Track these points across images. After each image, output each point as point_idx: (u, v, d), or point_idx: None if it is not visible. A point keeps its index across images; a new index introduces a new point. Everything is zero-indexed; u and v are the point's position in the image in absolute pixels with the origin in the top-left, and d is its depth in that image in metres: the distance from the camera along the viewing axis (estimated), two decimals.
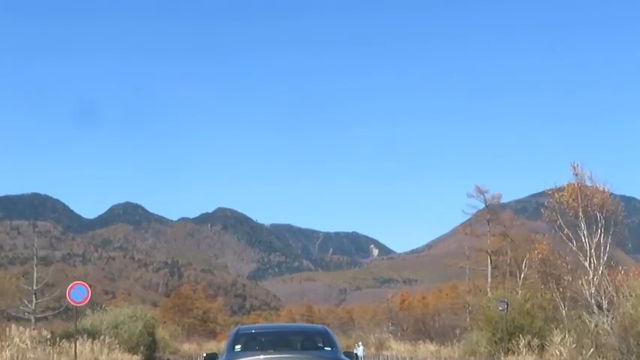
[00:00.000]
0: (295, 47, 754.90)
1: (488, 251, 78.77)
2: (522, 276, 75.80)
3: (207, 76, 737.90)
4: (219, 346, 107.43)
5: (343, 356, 13.73)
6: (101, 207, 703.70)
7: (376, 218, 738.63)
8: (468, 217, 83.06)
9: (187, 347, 76.44)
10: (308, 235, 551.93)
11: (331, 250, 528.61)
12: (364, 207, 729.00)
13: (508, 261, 79.52)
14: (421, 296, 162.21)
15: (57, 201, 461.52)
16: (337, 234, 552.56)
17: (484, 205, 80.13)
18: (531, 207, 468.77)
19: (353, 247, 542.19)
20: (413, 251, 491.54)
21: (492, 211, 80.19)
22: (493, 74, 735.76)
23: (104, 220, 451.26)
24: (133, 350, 40.40)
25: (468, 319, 74.06)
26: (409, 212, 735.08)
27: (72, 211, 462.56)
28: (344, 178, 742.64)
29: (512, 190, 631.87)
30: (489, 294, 78.14)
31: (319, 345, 13.88)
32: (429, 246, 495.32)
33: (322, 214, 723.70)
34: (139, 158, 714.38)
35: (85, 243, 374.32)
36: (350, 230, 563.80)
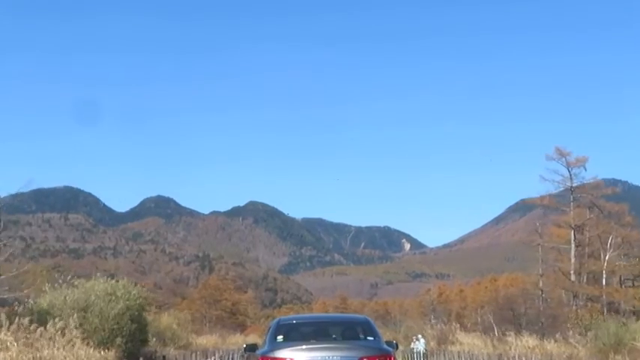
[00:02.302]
0: (325, 39, 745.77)
1: (572, 225, 64.43)
2: (607, 257, 62.43)
3: (235, 70, 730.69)
4: (246, 340, 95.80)
5: (386, 346, 13.20)
6: (133, 200, 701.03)
7: (408, 212, 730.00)
8: (547, 184, 67.48)
9: (204, 341, 63.63)
10: (340, 229, 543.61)
11: (363, 244, 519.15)
12: (396, 201, 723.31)
13: (587, 240, 66.13)
14: (459, 289, 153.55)
15: (89, 194, 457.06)
16: (369, 228, 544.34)
17: (566, 170, 65.49)
18: (565, 201, 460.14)
19: (385, 241, 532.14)
20: (445, 246, 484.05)
21: (576, 176, 65.43)
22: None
23: (136, 214, 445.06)
24: (104, 343, 27.35)
25: (542, 308, 60.65)
26: (441, 207, 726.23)
27: (104, 205, 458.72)
28: (376, 172, 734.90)
29: (546, 184, 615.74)
30: (573, 277, 64.95)
31: (361, 335, 13.50)
32: (461, 240, 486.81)
33: (354, 208, 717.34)
34: (171, 152, 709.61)
35: (117, 236, 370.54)
36: (382, 224, 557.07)
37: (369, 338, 13.39)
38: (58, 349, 22.91)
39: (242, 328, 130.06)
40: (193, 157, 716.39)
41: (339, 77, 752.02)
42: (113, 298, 29.44)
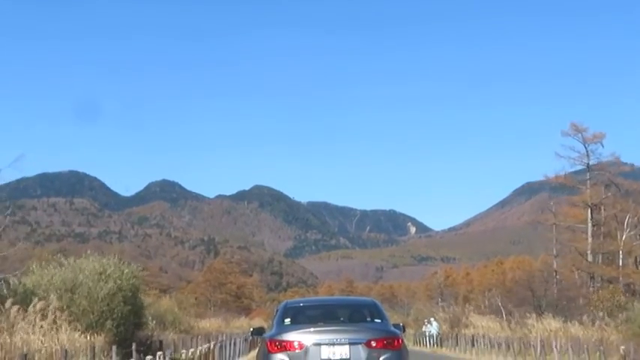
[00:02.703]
0: (322, 25, 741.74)
1: (589, 204, 61.52)
2: (624, 237, 59.64)
3: (241, 56, 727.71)
4: (251, 323, 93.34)
5: (393, 328, 13.10)
6: (138, 185, 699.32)
7: (414, 196, 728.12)
8: (562, 161, 64.41)
9: (207, 324, 61.07)
10: (345, 212, 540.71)
11: (368, 227, 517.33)
12: (402, 185, 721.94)
13: (603, 219, 63.36)
14: (465, 272, 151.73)
15: (94, 179, 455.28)
16: (374, 212, 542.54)
17: (582, 146, 62.51)
18: (570, 185, 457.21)
19: (390, 224, 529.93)
20: (451, 229, 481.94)
21: (593, 153, 62.45)
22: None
23: (141, 198, 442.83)
24: (93, 326, 24.70)
25: (556, 291, 57.99)
26: (447, 190, 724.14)
27: (109, 189, 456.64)
28: (381, 156, 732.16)
29: (551, 168, 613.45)
30: (590, 257, 62.21)
31: (368, 317, 13.37)
32: (467, 224, 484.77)
33: (359, 192, 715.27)
34: (176, 136, 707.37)
35: (122, 220, 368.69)
36: (387, 208, 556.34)
37: (376, 320, 13.25)
38: (34, 333, 20.21)
39: (247, 311, 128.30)
40: (199, 141, 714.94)
41: (345, 61, 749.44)
42: (103, 277, 26.72)
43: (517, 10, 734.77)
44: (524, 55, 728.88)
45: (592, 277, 61.02)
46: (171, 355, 25.33)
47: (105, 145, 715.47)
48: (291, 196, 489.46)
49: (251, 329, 15.67)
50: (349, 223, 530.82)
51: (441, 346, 50.76)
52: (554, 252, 68.36)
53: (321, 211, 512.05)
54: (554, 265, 68.08)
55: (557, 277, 66.79)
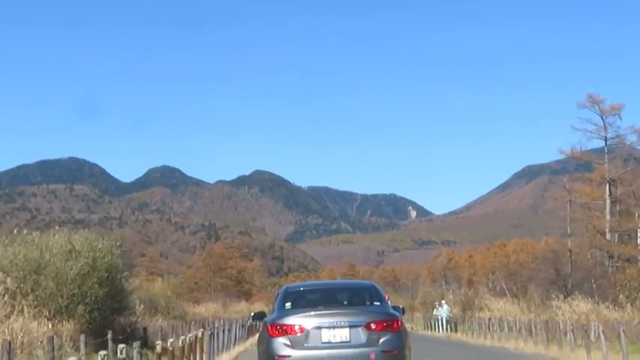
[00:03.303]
0: (337, 10, 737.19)
1: (607, 179, 57.50)
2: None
3: (248, 40, 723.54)
4: (251, 308, 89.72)
5: (392, 310, 13.21)
6: (138, 170, 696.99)
7: (414, 180, 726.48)
8: (578, 134, 60.50)
9: (203, 310, 57.23)
10: (346, 197, 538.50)
11: (369, 212, 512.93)
12: (402, 169, 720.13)
13: (619, 196, 59.42)
14: (468, 255, 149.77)
15: (94, 165, 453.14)
16: (375, 196, 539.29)
17: (600, 118, 58.50)
18: (571, 167, 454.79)
19: (391, 209, 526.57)
20: (451, 213, 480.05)
21: (610, 126, 58.34)
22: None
23: (141, 184, 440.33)
24: (62, 312, 20.76)
25: (570, 270, 54.15)
26: (447, 174, 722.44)
27: (109, 175, 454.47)
28: (382, 140, 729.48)
29: (552, 150, 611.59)
30: (608, 235, 58.30)
31: (367, 300, 13.41)
32: (468, 207, 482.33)
33: (360, 176, 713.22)
34: (176, 121, 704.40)
35: (122, 206, 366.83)
36: (388, 192, 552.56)
37: (375, 303, 13.24)
38: None
39: (248, 296, 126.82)
40: (198, 126, 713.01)
41: (344, 46, 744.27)
42: (73, 255, 22.78)
43: None
44: (524, 37, 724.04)
45: (611, 257, 57.13)
46: (151, 344, 21.48)
47: (105, 131, 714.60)
48: (291, 180, 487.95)
49: (252, 314, 15.60)
50: (350, 208, 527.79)
51: (455, 330, 46.87)
52: (569, 231, 64.35)
53: (321, 195, 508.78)
54: (569, 244, 64.26)
55: (572, 257, 63.16)
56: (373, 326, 12.30)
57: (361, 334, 12.23)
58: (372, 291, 13.83)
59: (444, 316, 48.62)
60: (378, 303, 13.24)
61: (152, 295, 41.32)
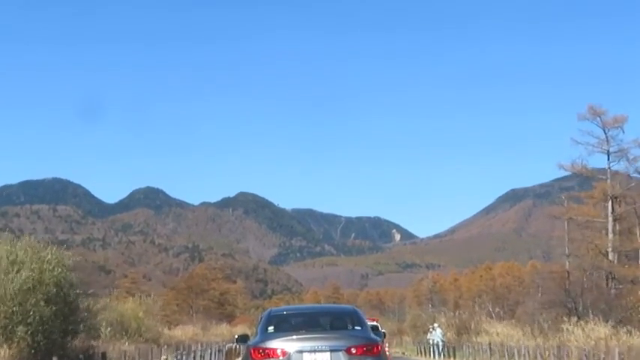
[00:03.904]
0: (313, 32, 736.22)
1: (609, 195, 53.80)
2: None
3: (230, 61, 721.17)
4: (233, 331, 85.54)
5: (373, 335, 13.23)
6: (122, 192, 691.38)
7: (398, 203, 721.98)
8: (579, 147, 56.81)
9: (179, 333, 53.03)
10: (330, 219, 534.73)
11: (353, 234, 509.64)
12: (386, 192, 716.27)
13: (620, 214, 55.72)
14: (453, 278, 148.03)
15: (78, 186, 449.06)
16: (359, 219, 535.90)
17: (601, 131, 54.81)
18: (554, 191, 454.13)
19: (375, 231, 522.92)
20: (436, 236, 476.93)
21: (612, 139, 54.61)
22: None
23: (125, 205, 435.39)
24: None
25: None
26: (431, 197, 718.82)
27: (93, 196, 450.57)
28: (366, 163, 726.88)
29: (536, 174, 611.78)
30: (611, 255, 54.62)
31: (349, 325, 13.48)
32: (452, 231, 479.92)
33: (344, 199, 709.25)
34: (159, 143, 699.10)
35: (106, 227, 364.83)
36: (372, 215, 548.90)
37: (356, 328, 13.32)
38: None
39: (230, 318, 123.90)
40: (183, 147, 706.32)
41: (329, 69, 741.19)
42: (16, 267, 18.78)
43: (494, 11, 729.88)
44: (510, 59, 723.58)
45: (613, 278, 53.46)
46: None
47: (89, 152, 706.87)
48: (275, 203, 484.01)
49: (235, 337, 15.67)
50: (334, 230, 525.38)
51: (452, 355, 42.78)
52: (567, 251, 60.68)
53: (305, 218, 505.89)
54: (567, 266, 60.60)
55: (570, 279, 59.62)
56: (354, 350, 12.41)
57: (342, 359, 12.32)
58: (353, 315, 13.89)
59: (438, 340, 44.70)
60: (359, 327, 13.31)
61: (122, 316, 37.34)
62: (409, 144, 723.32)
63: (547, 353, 31.80)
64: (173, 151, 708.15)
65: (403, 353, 52.53)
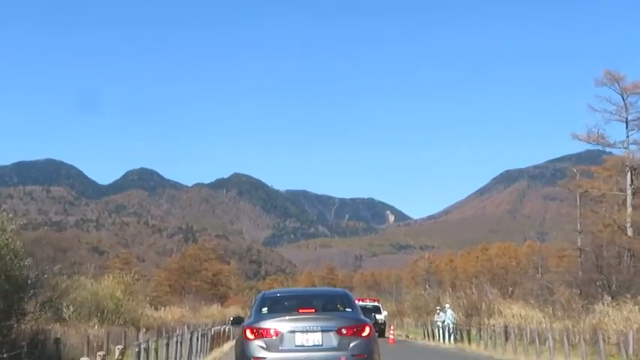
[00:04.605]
0: (307, 15, 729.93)
1: (629, 166, 49.41)
2: None
3: (227, 44, 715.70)
4: (224, 312, 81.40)
5: (363, 317, 13.57)
6: (116, 173, 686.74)
7: (392, 184, 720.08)
8: (596, 114, 52.20)
9: (168, 314, 48.63)
10: (324, 201, 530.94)
11: (347, 216, 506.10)
12: (380, 173, 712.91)
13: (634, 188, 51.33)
14: (448, 259, 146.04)
15: (71, 167, 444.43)
16: (353, 200, 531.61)
17: (620, 97, 50.33)
18: (549, 172, 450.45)
19: (369, 213, 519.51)
20: (429, 217, 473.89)
21: (632, 106, 50.07)
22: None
23: (119, 186, 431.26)
24: None
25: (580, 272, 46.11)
26: (426, 178, 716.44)
27: (86, 177, 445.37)
28: (360, 144, 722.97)
29: (530, 156, 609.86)
30: (629, 230, 50.30)
31: (340, 307, 13.86)
32: (446, 212, 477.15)
33: (338, 180, 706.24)
34: (153, 124, 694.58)
35: (99, 209, 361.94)
36: (366, 196, 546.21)
37: (347, 310, 13.63)
38: None
39: (223, 299, 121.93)
40: (177, 129, 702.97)
41: (325, 50, 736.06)
42: None
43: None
44: (505, 41, 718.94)
45: (632, 255, 49.15)
46: None
47: (82, 133, 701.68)
48: (269, 184, 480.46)
49: (230, 318, 17.59)
50: (328, 212, 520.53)
51: (465, 339, 38.22)
52: (579, 227, 56.51)
53: (299, 199, 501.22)
54: (579, 243, 56.46)
55: (582, 256, 55.54)
56: (344, 331, 12.64)
57: (333, 339, 12.56)
58: (344, 298, 14.16)
59: (449, 321, 40.29)
60: (350, 310, 13.55)
61: (96, 295, 33.01)
62: (403, 125, 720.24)
63: (577, 338, 27.40)
64: (167, 133, 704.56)
65: (407, 336, 48.11)
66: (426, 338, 44.37)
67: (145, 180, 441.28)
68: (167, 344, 19.21)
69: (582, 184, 55.46)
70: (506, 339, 33.34)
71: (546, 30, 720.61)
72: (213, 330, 28.01)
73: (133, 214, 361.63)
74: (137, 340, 25.71)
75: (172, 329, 36.53)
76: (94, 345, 22.71)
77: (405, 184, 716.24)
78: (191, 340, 22.46)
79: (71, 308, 26.21)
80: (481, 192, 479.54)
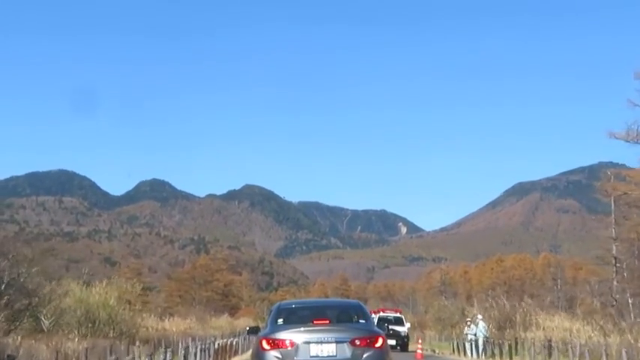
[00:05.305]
0: (317, 22, 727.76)
1: None
2: None
3: (231, 51, 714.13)
4: (235, 323, 77.24)
5: (376, 328, 13.71)
6: (128, 184, 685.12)
7: (405, 196, 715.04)
8: (636, 110, 47.63)
9: (172, 325, 44.47)
10: (336, 212, 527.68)
11: (359, 227, 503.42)
12: (393, 184, 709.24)
13: None
14: (463, 271, 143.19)
15: (84, 177, 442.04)
16: (365, 212, 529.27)
17: None
18: (561, 185, 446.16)
19: (381, 224, 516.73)
20: (442, 229, 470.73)
21: None
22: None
23: (131, 197, 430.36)
24: None
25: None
26: (438, 190, 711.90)
27: (99, 188, 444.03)
28: (373, 156, 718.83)
29: (543, 168, 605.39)
30: None
31: (354, 318, 13.80)
32: (458, 224, 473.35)
33: (351, 192, 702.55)
34: (166, 135, 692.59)
35: (112, 219, 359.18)
36: (378, 208, 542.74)
37: (361, 321, 13.62)
38: None
39: (234, 310, 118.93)
40: (189, 139, 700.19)
41: (337, 59, 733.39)
42: None
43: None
44: (517, 50, 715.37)
45: None
46: None
47: (95, 144, 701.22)
48: (282, 195, 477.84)
49: (247, 328, 16.55)
50: (340, 223, 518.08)
51: (501, 356, 33.58)
52: (614, 234, 52.23)
53: (312, 210, 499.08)
54: (613, 251, 52.20)
55: (617, 265, 51.36)
56: (358, 342, 12.61)
57: (346, 350, 12.55)
58: (358, 309, 14.19)
59: (481, 335, 35.79)
60: (364, 321, 13.57)
61: (87, 304, 28.93)
62: (416, 137, 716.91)
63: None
64: (179, 144, 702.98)
65: (433, 351, 43.59)
66: (455, 353, 39.89)
67: (157, 191, 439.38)
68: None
69: (618, 187, 51.12)
70: (550, 354, 29.12)
71: (559, 40, 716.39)
72: (217, 343, 23.99)
73: (145, 225, 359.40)
74: (128, 355, 21.72)
75: (174, 342, 32.39)
76: None
77: (417, 196, 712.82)
78: (186, 355, 18.28)
79: (50, 317, 22.03)
80: (494, 204, 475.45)
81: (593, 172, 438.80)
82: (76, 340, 22.61)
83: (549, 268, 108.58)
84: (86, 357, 18.55)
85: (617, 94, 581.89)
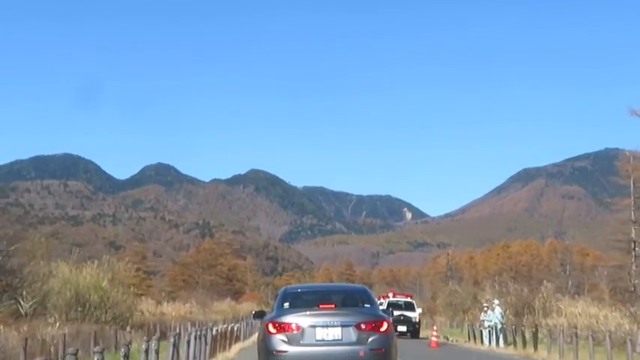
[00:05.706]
0: (323, 10, 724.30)
1: None
2: None
3: (237, 37, 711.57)
4: (238, 308, 75.07)
5: (381, 312, 13.67)
6: (133, 168, 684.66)
7: (410, 181, 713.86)
8: None
9: (171, 309, 42.08)
10: (341, 197, 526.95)
11: (364, 213, 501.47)
12: (398, 170, 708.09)
13: None
14: (468, 257, 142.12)
15: (89, 161, 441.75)
16: (370, 197, 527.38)
17: None
18: (567, 171, 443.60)
19: (386, 210, 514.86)
20: (447, 215, 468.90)
21: None
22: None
23: (136, 181, 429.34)
24: None
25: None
26: (443, 176, 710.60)
27: (104, 172, 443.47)
28: (377, 141, 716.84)
29: (548, 154, 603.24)
30: None
31: (359, 303, 13.84)
32: (463, 210, 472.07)
33: (356, 177, 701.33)
34: (171, 119, 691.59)
35: (116, 203, 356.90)
36: (383, 193, 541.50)
37: (366, 305, 13.63)
38: None
39: (239, 295, 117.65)
40: (194, 124, 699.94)
41: (343, 45, 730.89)
42: None
43: None
44: (523, 37, 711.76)
45: None
46: None
47: (100, 128, 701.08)
48: (287, 180, 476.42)
49: (253, 312, 16.14)
50: (345, 209, 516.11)
51: (523, 344, 30.93)
52: (633, 217, 49.84)
53: (317, 195, 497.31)
54: (632, 234, 49.83)
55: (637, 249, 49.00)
56: (363, 326, 12.74)
57: (352, 333, 12.66)
58: (363, 294, 14.22)
59: (497, 321, 33.24)
60: (369, 305, 13.60)
61: (76, 286, 26.62)
62: (421, 122, 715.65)
63: None
64: (184, 128, 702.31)
65: (446, 338, 40.98)
66: (471, 340, 37.40)
67: (162, 175, 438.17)
68: (146, 350, 12.97)
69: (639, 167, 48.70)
70: (577, 342, 26.63)
71: (566, 26, 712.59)
72: (215, 330, 21.78)
73: (149, 209, 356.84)
74: (117, 341, 19.28)
75: (172, 327, 30.05)
76: (51, 350, 16.27)
77: (422, 182, 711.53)
78: (175, 343, 15.88)
79: (32, 300, 19.69)
80: (499, 190, 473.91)
81: (598, 158, 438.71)
82: (57, 325, 20.31)
83: (556, 254, 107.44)
84: (64, 344, 16.22)
85: (624, 80, 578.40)
